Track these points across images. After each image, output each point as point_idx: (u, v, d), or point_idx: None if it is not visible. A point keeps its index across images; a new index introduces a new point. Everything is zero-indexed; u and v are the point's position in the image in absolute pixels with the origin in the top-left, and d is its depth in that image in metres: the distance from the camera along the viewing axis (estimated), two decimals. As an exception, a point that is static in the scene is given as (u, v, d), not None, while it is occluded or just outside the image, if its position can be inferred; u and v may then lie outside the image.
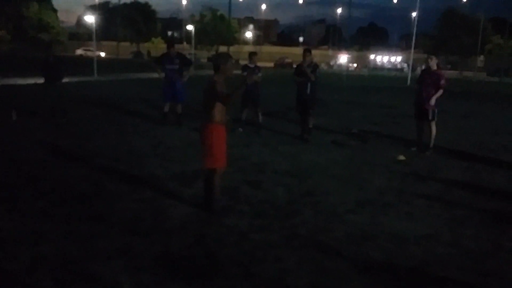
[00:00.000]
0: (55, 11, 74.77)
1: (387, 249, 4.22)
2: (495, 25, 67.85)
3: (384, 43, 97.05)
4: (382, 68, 73.27)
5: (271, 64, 62.71)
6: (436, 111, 8.40)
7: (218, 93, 4.60)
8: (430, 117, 8.37)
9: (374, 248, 4.22)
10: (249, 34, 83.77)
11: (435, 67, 8.33)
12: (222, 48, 74.99)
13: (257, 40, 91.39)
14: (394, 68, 72.77)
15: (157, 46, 76.30)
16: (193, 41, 47.25)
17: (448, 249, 4.29)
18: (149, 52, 74.53)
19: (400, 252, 4.17)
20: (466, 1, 67.68)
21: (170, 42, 10.63)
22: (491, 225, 4.97)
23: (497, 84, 42.86)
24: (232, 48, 57.56)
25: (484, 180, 6.88)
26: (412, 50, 40.64)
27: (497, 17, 75.72)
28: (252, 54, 9.82)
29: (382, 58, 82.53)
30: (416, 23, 38.19)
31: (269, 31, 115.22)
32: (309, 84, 8.84)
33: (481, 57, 68.69)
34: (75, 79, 20.66)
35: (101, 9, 70.99)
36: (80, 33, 79.75)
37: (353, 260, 3.97)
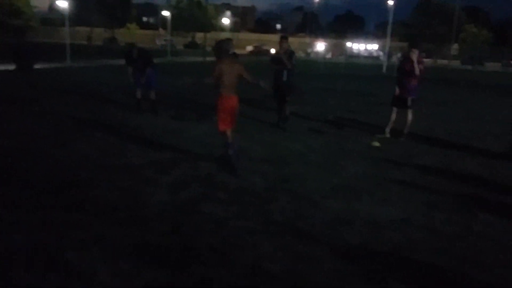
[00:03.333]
0: (27, -4, 72.52)
1: (363, 234, 4.29)
2: (469, 14, 69.00)
3: (360, 31, 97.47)
4: (358, 56, 73.72)
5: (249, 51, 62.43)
6: (414, 99, 8.55)
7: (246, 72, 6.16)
8: (409, 104, 8.52)
9: (350, 233, 4.29)
10: (226, 21, 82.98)
11: (415, 59, 8.41)
12: (199, 35, 74.19)
13: (234, 27, 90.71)
14: (370, 56, 73.32)
15: (132, 32, 75.01)
16: (169, 27, 46.61)
17: (421, 233, 4.39)
18: (114, 38, 73.33)
19: (375, 237, 4.25)
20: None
21: (131, 43, 10.63)
22: (463, 210, 5.11)
23: (470, 72, 43.67)
24: (209, 35, 56.82)
25: (457, 166, 7.04)
26: (388, 39, 41.00)
27: (471, 6, 76.96)
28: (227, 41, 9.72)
29: (358, 46, 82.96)
30: (392, 11, 38.48)
31: (247, 18, 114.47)
32: (285, 72, 8.83)
33: (455, 46, 69.84)
34: (47, 65, 20.17)
35: (74, -6, 69.11)
36: (52, 19, 77.63)
37: (329, 245, 4.03)
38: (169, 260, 3.63)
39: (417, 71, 8.26)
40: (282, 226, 4.39)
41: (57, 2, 42.71)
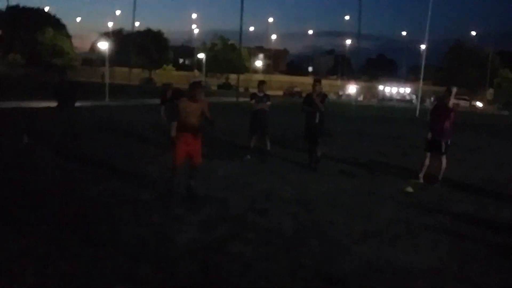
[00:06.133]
0: (69, 37, 76.56)
1: (394, 283, 4.16)
2: (503, 58, 68.13)
3: (392, 74, 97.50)
4: (391, 99, 73.43)
5: (281, 93, 63.15)
6: (448, 144, 8.41)
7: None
8: (443, 150, 8.37)
9: (380, 282, 4.17)
10: (259, 63, 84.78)
11: (451, 103, 8.29)
12: (232, 76, 75.80)
13: (267, 69, 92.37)
14: (403, 99, 72.87)
15: (168, 73, 77.42)
16: (204, 69, 47.92)
17: (456, 284, 4.23)
18: (151, 79, 74.99)
19: (406, 287, 4.11)
20: (475, 35, 68.35)
21: (168, 83, 11.38)
22: (498, 260, 4.90)
23: (507, 117, 42.71)
24: (242, 77, 58.16)
25: (492, 214, 6.80)
26: (421, 82, 40.84)
27: (504, 50, 76.05)
28: (260, 83, 9.95)
29: (390, 89, 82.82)
30: (425, 55, 38.53)
31: (279, 60, 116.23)
32: (318, 114, 8.89)
33: (490, 90, 68.74)
34: (87, 103, 20.93)
35: (114, 36, 72.48)
36: (93, 59, 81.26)
37: (359, 292, 3.92)
38: (196, 300, 3.61)
39: (450, 104, 8.13)
40: (310, 270, 4.31)
41: (98, 44, 44.97)
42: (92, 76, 69.11)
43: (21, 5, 74.37)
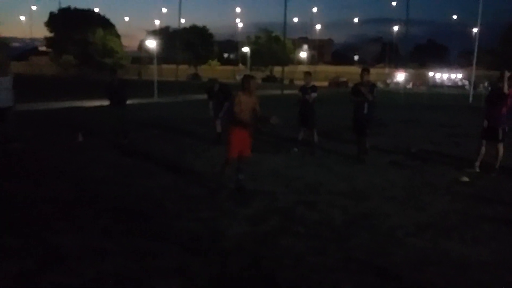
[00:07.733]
0: (118, 36, 78.99)
1: (451, 276, 4.02)
2: None
3: (443, 60, 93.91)
4: (442, 85, 70.89)
5: (326, 83, 62.39)
6: (506, 131, 8.02)
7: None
8: (500, 138, 8.01)
9: (437, 275, 4.04)
10: (303, 54, 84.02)
11: (506, 88, 7.91)
12: (277, 69, 75.63)
13: (311, 60, 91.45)
14: (454, 86, 70.18)
15: (213, 68, 78.28)
16: (248, 62, 48.10)
17: (518, 278, 4.03)
18: (197, 74, 75.40)
19: (465, 280, 3.97)
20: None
21: (213, 78, 11.53)
22: None
23: None
24: (287, 68, 57.70)
25: (557, 204, 6.43)
26: (474, 67, 39.11)
27: None
28: (305, 74, 9.84)
29: (441, 76, 79.99)
30: (477, 39, 36.83)
31: (324, 51, 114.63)
32: (366, 104, 8.70)
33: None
34: (137, 101, 21.55)
35: (161, 34, 73.99)
36: (141, 57, 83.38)
37: (415, 286, 3.82)
38: (249, 293, 3.64)
39: (505, 89, 7.75)
40: (363, 263, 4.24)
41: (146, 42, 46.06)
42: (140, 74, 70.91)
43: (72, 7, 77.46)
